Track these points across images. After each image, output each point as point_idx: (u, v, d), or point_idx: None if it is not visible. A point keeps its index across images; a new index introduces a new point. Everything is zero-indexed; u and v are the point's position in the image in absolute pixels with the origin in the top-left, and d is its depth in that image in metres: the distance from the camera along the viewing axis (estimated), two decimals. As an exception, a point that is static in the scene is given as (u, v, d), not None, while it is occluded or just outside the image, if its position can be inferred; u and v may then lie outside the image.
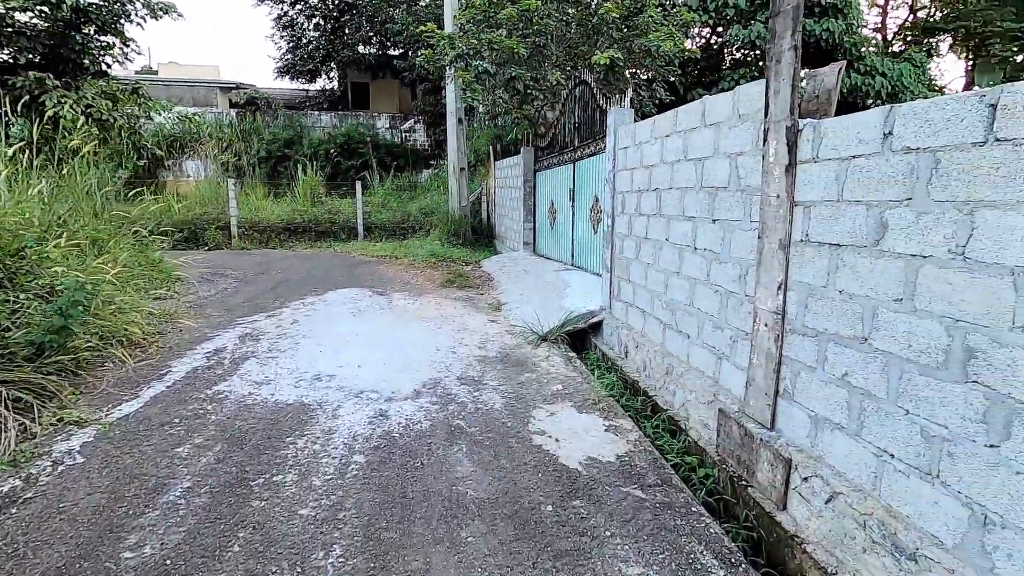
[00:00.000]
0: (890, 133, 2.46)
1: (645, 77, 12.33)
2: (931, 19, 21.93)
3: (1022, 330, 1.93)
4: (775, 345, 3.23)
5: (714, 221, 3.94)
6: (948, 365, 2.21)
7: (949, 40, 22.10)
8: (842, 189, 2.73)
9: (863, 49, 14.61)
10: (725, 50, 15.71)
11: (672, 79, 12.78)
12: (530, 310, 6.81)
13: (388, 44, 26.58)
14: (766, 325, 3.30)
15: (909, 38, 21.95)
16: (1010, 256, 1.97)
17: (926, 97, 16.36)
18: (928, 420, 2.30)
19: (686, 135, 4.33)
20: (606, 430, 3.95)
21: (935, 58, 21.81)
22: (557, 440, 3.74)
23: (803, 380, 3.04)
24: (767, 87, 3.21)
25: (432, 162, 23.83)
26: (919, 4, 22.59)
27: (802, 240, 3.02)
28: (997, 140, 2.01)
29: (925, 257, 2.30)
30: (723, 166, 3.82)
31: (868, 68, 13.79)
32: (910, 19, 22.63)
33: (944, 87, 21.17)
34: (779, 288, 3.17)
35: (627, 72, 9.31)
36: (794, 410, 3.12)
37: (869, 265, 2.58)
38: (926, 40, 22.09)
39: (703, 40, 15.86)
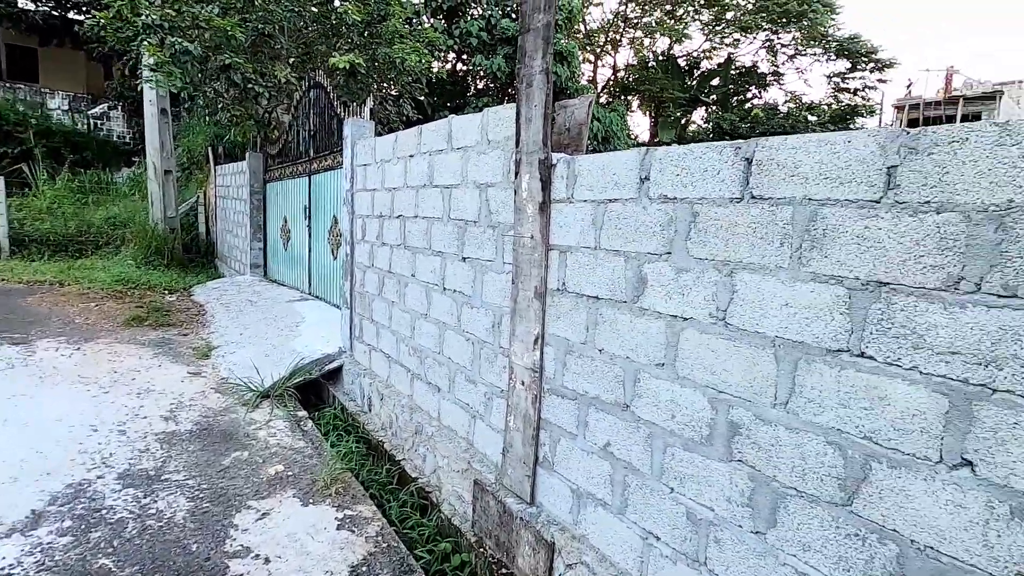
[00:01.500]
0: (647, 178, 2.21)
1: (394, 92, 11.78)
2: (626, 80, 26.72)
3: (784, 407, 1.77)
4: (533, 407, 2.81)
5: (464, 259, 3.43)
6: (712, 441, 1.99)
7: (638, 99, 27.30)
8: (599, 235, 2.42)
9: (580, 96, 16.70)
10: (470, 78, 16.24)
11: (421, 97, 12.49)
12: (250, 355, 5.44)
13: (68, 3, 20.70)
14: (523, 383, 2.87)
15: (612, 93, 26.32)
16: (771, 325, 1.79)
17: (630, 141, 19.67)
18: (694, 501, 2.06)
19: (432, 158, 3.76)
20: (340, 526, 3.05)
21: (631, 112, 26.64)
22: (267, 562, 2.70)
23: (564, 448, 2.67)
24: (518, 113, 2.80)
25: (136, 159, 19.24)
26: (618, 67, 27.33)
27: (559, 289, 2.66)
28: (753, 197, 1.84)
29: (686, 319, 2.07)
30: (472, 197, 3.33)
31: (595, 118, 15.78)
32: (612, 78, 27.19)
33: (638, 135, 25.88)
34: (536, 342, 2.77)
35: (372, 82, 8.55)
36: (555, 482, 2.73)
37: (629, 323, 2.29)
38: (623, 96, 26.82)
39: (450, 64, 16.13)
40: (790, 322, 1.74)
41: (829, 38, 23.40)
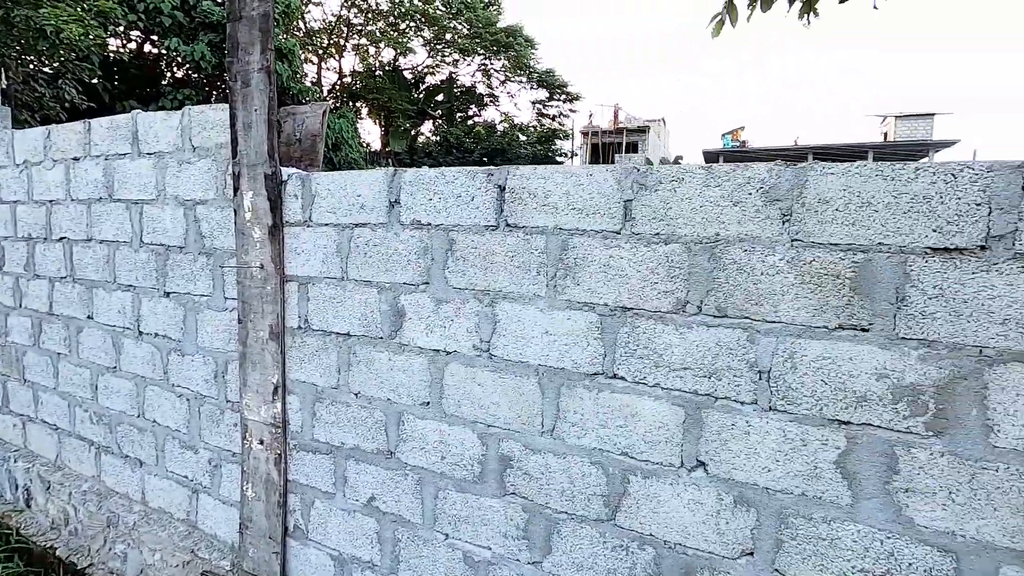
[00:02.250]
0: (397, 202, 2.01)
1: (48, 70, 9.03)
2: (354, 87, 26.17)
3: (551, 434, 1.78)
4: (277, 468, 2.35)
5: (168, 295, 2.70)
6: (485, 478, 1.91)
7: (367, 107, 27.01)
8: (347, 264, 2.13)
9: (307, 98, 15.65)
10: (164, 63, 13.62)
11: (94, 80, 9.93)
12: None
13: None
14: (261, 442, 2.38)
15: (340, 98, 25.45)
16: (533, 354, 1.79)
17: (362, 149, 19.19)
18: (471, 543, 1.95)
19: (110, 163, 2.88)
20: None
21: (360, 119, 26.17)
22: None
23: (320, 511, 2.29)
24: (233, 116, 2.30)
25: None
26: (344, 72, 26.56)
27: (301, 327, 2.27)
28: (508, 225, 1.81)
29: (450, 353, 1.94)
30: (176, 217, 2.64)
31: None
32: (339, 82, 26.29)
33: (369, 144, 25.57)
34: (276, 391, 2.32)
35: (3, 52, 6.34)
36: (311, 553, 2.33)
37: (388, 361, 2.07)
38: (352, 103, 26.20)
39: (136, 44, 13.23)
40: (551, 349, 1.76)
41: (531, 70, 26.97)
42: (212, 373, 2.58)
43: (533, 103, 28.67)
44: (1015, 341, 1.23)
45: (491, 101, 28.28)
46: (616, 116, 35.41)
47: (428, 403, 2.00)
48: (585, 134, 34.84)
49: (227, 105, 2.35)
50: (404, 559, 2.09)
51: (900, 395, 1.34)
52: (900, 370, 1.33)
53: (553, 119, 27.99)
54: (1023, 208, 1.21)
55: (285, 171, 2.26)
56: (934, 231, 1.29)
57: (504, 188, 1.82)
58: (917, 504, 1.33)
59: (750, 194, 1.48)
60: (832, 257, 1.39)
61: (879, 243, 1.34)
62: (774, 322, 1.46)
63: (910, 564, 1.35)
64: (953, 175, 1.27)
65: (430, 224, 1.95)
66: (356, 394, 2.15)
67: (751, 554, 1.52)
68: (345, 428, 2.19)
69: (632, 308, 1.64)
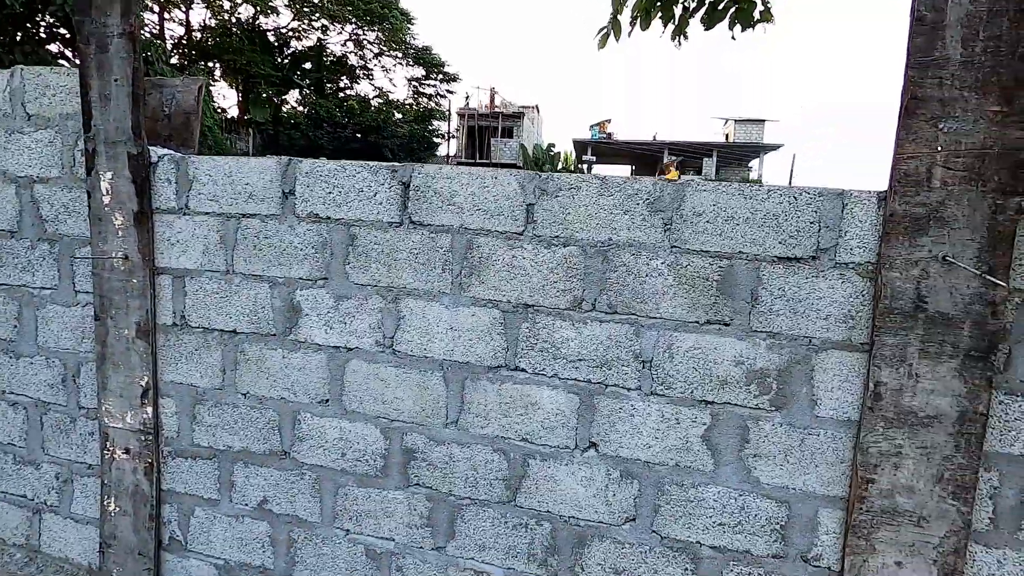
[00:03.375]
0: (291, 193, 1.92)
1: None
2: (206, 43, 23.40)
3: (455, 425, 1.86)
4: (148, 478, 2.15)
5: (-4, 287, 2.30)
6: (388, 471, 1.93)
7: (221, 68, 24.32)
8: (233, 256, 1.99)
9: (148, 53, 13.70)
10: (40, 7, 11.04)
11: None
12: None
13: None
14: (127, 451, 2.16)
15: (187, 55, 22.62)
16: (438, 349, 1.84)
17: (216, 115, 17.27)
18: (373, 536, 1.97)
19: (-98, 124, 2.34)
20: None
21: (214, 81, 23.51)
22: None
23: (202, 520, 2.15)
24: (86, 85, 2.01)
25: None
26: (193, 25, 23.60)
27: (177, 325, 2.08)
28: (413, 223, 1.83)
29: (351, 350, 1.92)
30: (5, 195, 2.25)
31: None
32: (186, 37, 23.33)
33: (226, 109, 23.12)
34: (146, 395, 2.11)
35: None
36: (191, 565, 2.18)
37: (283, 359, 1.99)
38: (203, 62, 23.42)
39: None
40: (456, 344, 1.83)
41: (408, 45, 26.15)
42: (59, 377, 2.26)
43: (409, 80, 27.90)
44: (833, 333, 1.54)
45: (364, 74, 26.98)
46: (492, 100, 35.73)
47: (327, 400, 1.96)
48: (462, 116, 34.74)
49: (76, 71, 2.04)
50: (301, 559, 2.05)
51: (752, 378, 1.61)
52: (752, 357, 1.60)
53: (430, 98, 27.50)
54: (843, 227, 1.52)
55: (155, 151, 2.04)
56: (780, 243, 1.57)
57: (409, 185, 1.82)
58: (762, 466, 1.63)
59: (638, 204, 1.66)
60: (703, 262, 1.62)
61: (739, 251, 1.59)
62: (656, 318, 1.66)
63: (755, 515, 1.64)
64: (795, 197, 1.55)
65: (329, 218, 1.90)
66: (245, 394, 2.04)
67: (634, 520, 1.74)
68: (232, 431, 2.07)
69: (533, 305, 1.76)
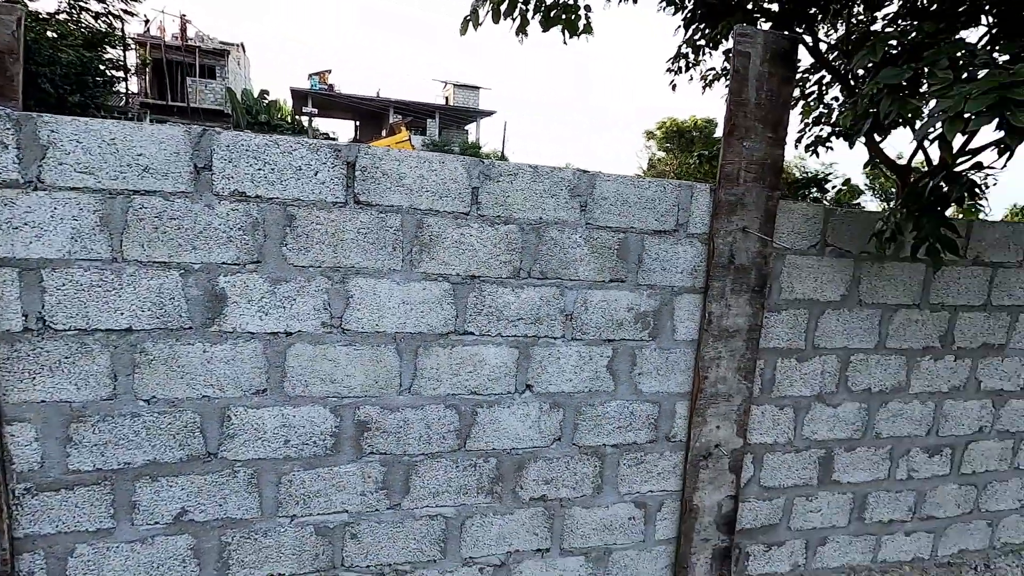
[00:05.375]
0: (207, 168, 1.71)
1: None
2: None
3: (409, 391, 2.01)
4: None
5: None
6: (340, 447, 1.97)
7: None
8: (122, 242, 1.67)
9: None
10: None
11: None
12: None
13: None
14: (-50, 502, 1.64)
15: None
16: (390, 323, 1.95)
17: None
18: (323, 514, 2.00)
19: None
20: None
21: None
22: None
23: (87, 559, 1.80)
24: None
25: None
26: None
27: (31, 330, 1.64)
28: (359, 203, 1.86)
29: (292, 334, 1.86)
30: None
31: None
32: None
33: None
34: (-20, 425, 1.63)
35: None
36: (76, 612, 1.82)
37: (204, 354, 1.79)
38: None
39: None
40: (408, 317, 1.96)
41: (53, -61, 19.60)
42: None
43: (59, -13, 21.10)
44: (685, 282, 2.25)
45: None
46: (184, 30, 29.94)
47: (264, 390, 1.86)
48: (142, 44, 28.22)
49: None
50: (237, 560, 1.93)
51: (639, 319, 2.22)
52: (639, 304, 2.21)
53: (98, 17, 21.44)
54: (692, 208, 2.21)
55: (-25, 104, 1.52)
56: (656, 220, 2.18)
57: (354, 166, 1.84)
58: (644, 381, 2.28)
59: (562, 190, 2.06)
60: (608, 235, 2.13)
61: (631, 227, 2.15)
62: (575, 280, 2.12)
63: (639, 416, 2.30)
64: (664, 187, 2.17)
65: (260, 197, 1.77)
66: (150, 400, 1.77)
67: (559, 439, 2.22)
68: (132, 445, 1.77)
69: (479, 276, 2.02)
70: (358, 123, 37.81)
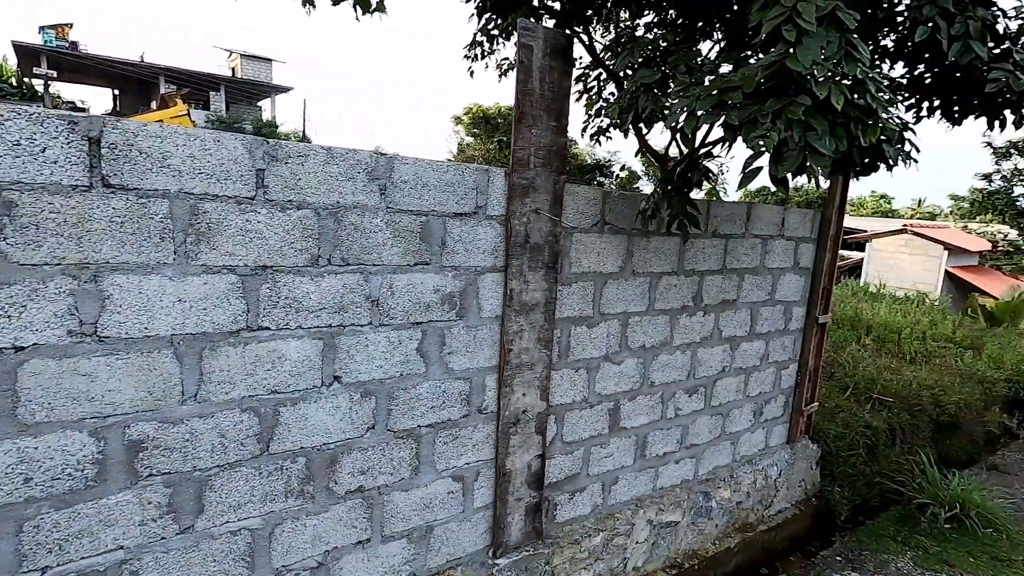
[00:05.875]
0: None
1: None
2: None
3: (195, 399, 1.79)
4: None
5: None
6: (107, 475, 1.68)
7: None
8: None
9: None
10: None
11: None
12: None
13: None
14: None
15: None
16: (165, 325, 1.70)
17: None
18: (91, 556, 1.69)
19: None
20: None
21: None
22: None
23: None
24: None
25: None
26: None
27: None
28: (109, 187, 1.57)
29: (25, 348, 1.51)
30: None
31: None
32: None
33: None
34: None
35: None
36: None
37: None
38: None
39: None
40: (188, 316, 1.74)
41: None
42: None
43: None
44: (488, 262, 2.36)
45: None
46: None
47: (-12, 422, 1.49)
48: None
49: None
50: (-38, 639, 1.54)
51: (445, 300, 2.28)
52: (445, 285, 2.26)
53: None
54: (489, 191, 2.32)
55: None
56: (456, 203, 2.24)
57: (99, 142, 1.54)
58: (454, 359, 2.35)
59: (359, 173, 1.99)
60: (409, 219, 2.13)
61: (432, 210, 2.18)
62: (380, 265, 2.09)
63: (452, 394, 2.37)
64: (463, 171, 2.24)
65: (-42, 179, 1.39)
66: None
67: (373, 427, 2.18)
68: None
69: (272, 266, 1.86)
70: (117, 91, 31.58)
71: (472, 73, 4.37)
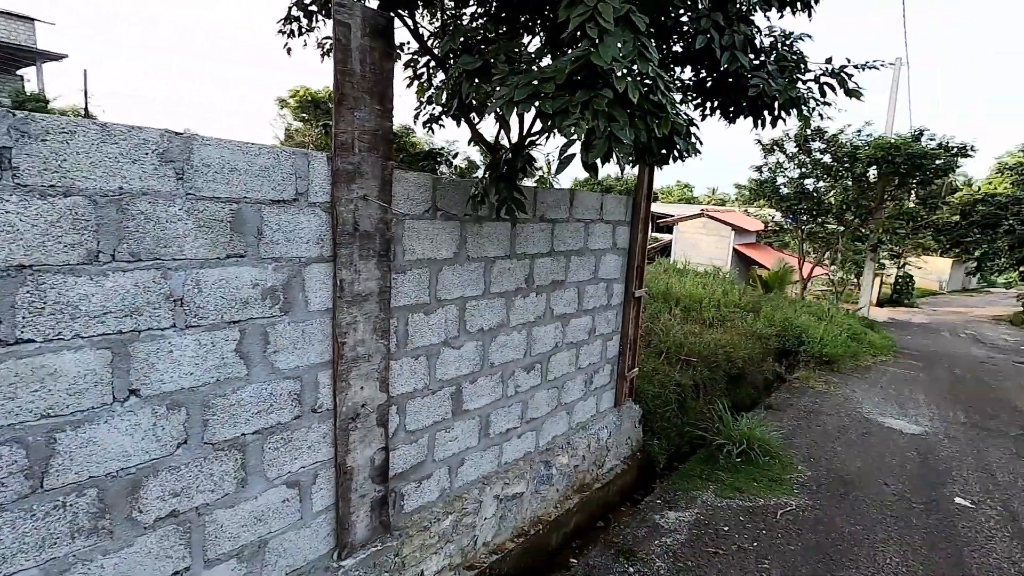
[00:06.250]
0: None
1: None
2: None
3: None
4: None
5: None
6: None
7: None
8: None
9: None
10: None
11: None
12: None
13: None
14: None
15: None
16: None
17: None
18: None
19: None
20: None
21: None
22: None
23: None
24: None
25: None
26: None
27: None
28: None
29: None
30: None
31: None
32: None
33: None
34: None
35: None
36: None
37: None
38: None
39: None
40: (-95, 334, 1.36)
41: None
42: None
43: None
44: (313, 251, 2.22)
45: None
46: None
47: None
48: None
49: None
50: None
51: (266, 294, 2.09)
52: (265, 279, 2.08)
53: None
54: (310, 177, 2.17)
55: None
56: (273, 189, 2.06)
57: None
58: (281, 358, 2.18)
59: (147, 154, 1.73)
60: (217, 207, 1.91)
61: (244, 197, 1.98)
62: (182, 259, 1.84)
63: (281, 395, 2.20)
64: (278, 155, 2.07)
65: None
66: None
67: (186, 442, 1.94)
68: None
69: (32, 265, 1.54)
70: None
71: (289, 51, 4.05)
